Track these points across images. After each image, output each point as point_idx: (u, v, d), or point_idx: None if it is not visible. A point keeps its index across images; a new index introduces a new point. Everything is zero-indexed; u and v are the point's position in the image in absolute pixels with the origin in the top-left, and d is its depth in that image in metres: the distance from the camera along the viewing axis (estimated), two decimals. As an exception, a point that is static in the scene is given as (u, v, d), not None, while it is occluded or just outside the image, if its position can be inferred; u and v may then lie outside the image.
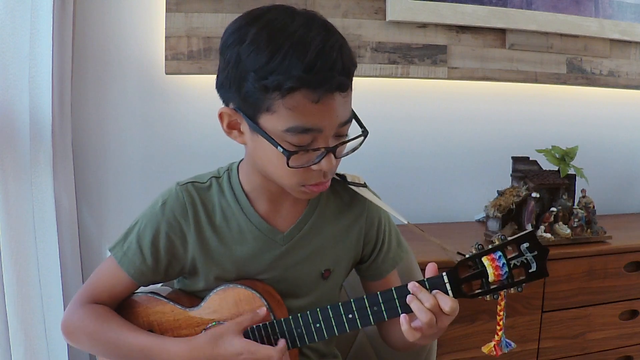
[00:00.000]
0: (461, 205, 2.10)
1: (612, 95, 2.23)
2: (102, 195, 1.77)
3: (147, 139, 1.79)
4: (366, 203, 1.05)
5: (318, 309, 0.94)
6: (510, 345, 0.94)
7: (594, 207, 1.82)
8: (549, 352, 1.74)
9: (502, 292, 0.90)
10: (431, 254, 1.41)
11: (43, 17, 1.49)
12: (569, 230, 1.75)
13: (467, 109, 2.08)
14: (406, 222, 0.99)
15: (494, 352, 0.93)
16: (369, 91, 1.92)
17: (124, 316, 1.00)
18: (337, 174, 1.02)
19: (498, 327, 0.93)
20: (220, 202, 0.99)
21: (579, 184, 1.83)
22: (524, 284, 0.89)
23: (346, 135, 0.90)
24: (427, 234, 0.98)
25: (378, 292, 0.92)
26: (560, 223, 1.76)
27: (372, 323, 0.92)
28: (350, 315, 0.93)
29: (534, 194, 1.71)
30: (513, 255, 0.89)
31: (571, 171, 1.78)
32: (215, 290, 0.99)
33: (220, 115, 0.90)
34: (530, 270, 0.88)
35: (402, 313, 0.89)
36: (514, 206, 1.73)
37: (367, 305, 0.92)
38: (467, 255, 0.90)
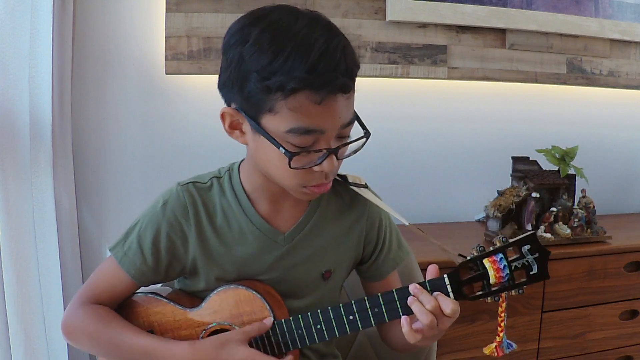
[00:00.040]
0: (461, 205, 2.10)
1: (612, 95, 2.23)
2: (102, 195, 1.77)
3: (147, 139, 1.79)
4: (367, 204, 1.04)
5: (319, 311, 0.94)
6: (511, 346, 0.94)
7: (594, 207, 1.82)
8: (549, 352, 1.74)
9: (503, 294, 0.90)
10: (431, 254, 1.41)
11: (43, 17, 1.49)
12: (569, 230, 1.75)
13: (467, 109, 2.08)
14: (407, 224, 0.98)
15: (496, 354, 0.93)
16: (369, 91, 1.92)
17: (124, 316, 1.00)
18: (338, 175, 1.02)
19: (499, 329, 0.93)
20: (221, 203, 0.99)
21: (579, 184, 1.83)
22: (525, 286, 0.89)
23: (348, 136, 0.90)
24: (428, 235, 0.98)
25: (379, 294, 0.92)
26: (560, 223, 1.76)
27: (373, 325, 0.92)
28: (351, 317, 0.93)
29: (534, 194, 1.71)
30: (514, 257, 0.89)
31: (571, 171, 1.78)
32: (215, 291, 0.99)
33: (222, 116, 0.90)
34: (531, 273, 0.89)
35: (403, 315, 0.89)
36: (514, 206, 1.73)
37: (368, 306, 0.92)
38: (468, 257, 0.90)
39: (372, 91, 1.93)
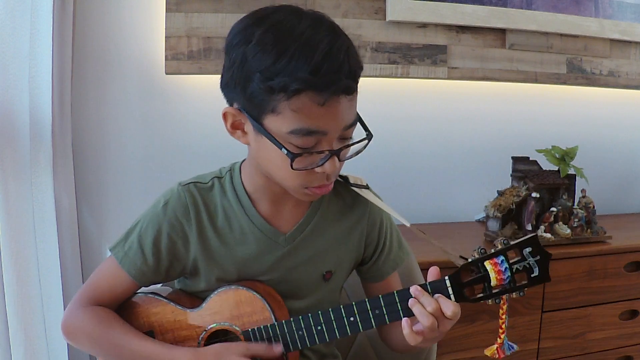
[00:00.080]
0: (461, 205, 2.10)
1: (612, 95, 2.23)
2: (102, 195, 1.77)
3: (147, 139, 1.79)
4: (368, 205, 1.04)
5: (319, 312, 0.94)
6: (512, 347, 0.94)
7: (594, 207, 1.82)
8: (549, 352, 1.74)
9: (504, 297, 0.90)
10: (431, 254, 1.41)
11: (43, 17, 1.49)
12: (569, 230, 1.75)
13: (467, 109, 2.08)
14: (408, 225, 0.98)
15: (497, 355, 0.94)
16: (369, 91, 1.90)
17: (125, 317, 1.00)
18: (339, 176, 1.02)
19: (500, 331, 0.93)
20: (222, 203, 0.99)
21: (579, 184, 1.83)
22: (525, 289, 0.89)
23: (350, 138, 0.89)
24: (429, 237, 0.98)
25: (380, 296, 0.92)
26: (560, 223, 1.76)
27: (374, 326, 0.92)
28: (352, 319, 0.92)
29: (534, 194, 1.71)
30: (515, 259, 0.89)
31: (571, 171, 1.78)
32: (216, 292, 0.98)
33: (224, 115, 0.90)
34: (532, 275, 0.88)
35: (403, 316, 0.89)
36: (514, 206, 1.73)
37: (369, 308, 0.92)
38: (469, 260, 0.90)
39: (372, 91, 1.93)
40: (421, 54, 1.92)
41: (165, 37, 1.71)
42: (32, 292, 1.52)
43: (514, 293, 0.89)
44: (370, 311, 0.92)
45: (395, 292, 0.91)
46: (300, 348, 0.96)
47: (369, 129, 0.90)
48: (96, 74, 1.73)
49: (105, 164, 1.76)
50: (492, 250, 0.89)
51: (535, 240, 0.88)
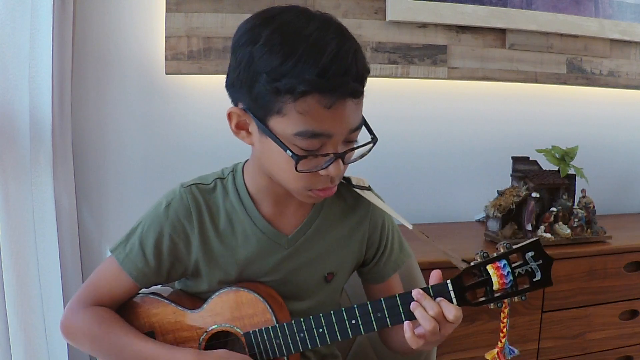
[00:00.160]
0: (461, 205, 2.10)
1: (612, 95, 2.23)
2: (102, 195, 1.77)
3: (147, 139, 1.79)
4: (370, 206, 1.04)
5: (321, 314, 0.93)
6: (513, 352, 0.94)
7: (594, 207, 1.82)
8: (549, 352, 1.74)
9: (505, 301, 0.90)
10: (431, 255, 1.41)
11: (43, 17, 1.49)
12: (569, 230, 1.75)
13: (467, 109, 2.08)
14: (410, 227, 0.98)
15: (497, 359, 0.94)
16: (369, 91, 1.90)
17: (125, 317, 0.99)
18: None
19: (501, 334, 0.93)
20: (225, 205, 0.98)
21: (579, 184, 1.83)
22: (527, 293, 0.89)
23: (355, 141, 0.89)
24: (432, 240, 0.97)
25: (382, 299, 0.91)
26: (560, 223, 1.76)
27: (376, 329, 0.92)
28: (353, 321, 0.92)
29: (534, 194, 1.71)
30: (518, 263, 0.89)
31: (571, 171, 1.78)
32: (217, 293, 0.98)
33: (229, 115, 0.89)
34: (534, 279, 0.88)
35: (405, 320, 0.89)
36: (514, 206, 1.73)
37: (371, 311, 0.91)
38: (472, 263, 0.89)
39: (372, 91, 1.91)
40: (421, 54, 1.92)
41: (165, 37, 1.71)
42: (32, 292, 1.52)
43: (515, 297, 0.89)
44: (372, 314, 0.91)
45: (397, 295, 0.91)
46: (301, 350, 0.96)
47: (374, 132, 0.90)
48: (96, 74, 1.73)
49: (105, 164, 1.76)
50: (495, 254, 0.89)
51: (538, 245, 0.88)
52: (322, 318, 0.93)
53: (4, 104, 1.47)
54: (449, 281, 0.89)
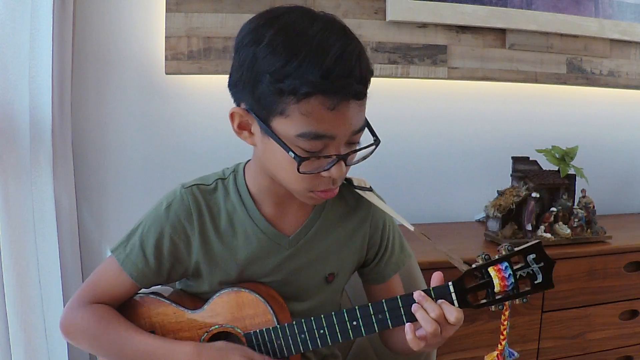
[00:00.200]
0: (461, 205, 2.10)
1: (612, 95, 2.23)
2: (102, 195, 1.77)
3: (147, 139, 1.79)
4: (371, 207, 1.04)
5: (322, 316, 0.93)
6: (513, 355, 0.94)
7: (594, 207, 1.82)
8: (549, 352, 1.74)
9: (506, 303, 0.90)
10: (431, 254, 1.41)
11: (43, 17, 1.49)
12: (569, 230, 1.75)
13: (467, 109, 2.08)
14: (412, 229, 0.97)
15: None
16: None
17: (126, 317, 0.99)
18: None
19: (502, 337, 0.92)
20: (226, 205, 0.98)
21: (579, 184, 1.83)
22: (528, 295, 0.89)
23: (358, 143, 0.89)
24: (434, 242, 0.97)
25: (383, 300, 0.91)
26: (560, 223, 1.76)
27: (377, 331, 0.92)
28: (354, 323, 0.92)
29: (534, 194, 1.71)
30: (519, 265, 0.88)
31: (571, 171, 1.78)
32: (218, 294, 0.98)
33: (232, 115, 0.89)
34: (535, 282, 0.88)
35: (406, 322, 0.89)
36: (514, 206, 1.73)
37: (372, 312, 0.91)
38: (473, 266, 0.89)
39: (371, 91, 1.92)
40: (421, 54, 1.92)
41: (165, 37, 1.71)
42: (32, 292, 1.52)
43: (517, 299, 0.89)
44: (373, 315, 0.91)
45: (398, 297, 0.91)
46: (302, 351, 0.96)
47: (377, 134, 0.89)
48: (96, 74, 1.73)
49: (105, 164, 1.76)
50: (497, 257, 0.89)
51: (540, 247, 0.88)
52: (323, 319, 0.93)
53: (4, 104, 1.47)
54: (450, 283, 0.89)
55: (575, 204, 1.83)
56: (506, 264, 0.88)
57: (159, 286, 1.06)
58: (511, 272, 0.88)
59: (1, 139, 1.47)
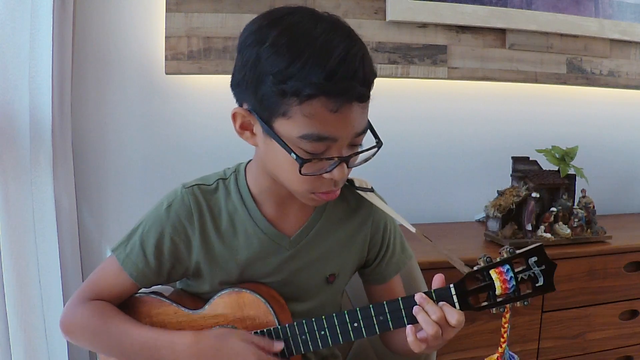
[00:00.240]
0: (461, 205, 2.10)
1: (612, 95, 2.23)
2: (102, 195, 1.77)
3: (147, 139, 1.79)
4: (372, 207, 1.04)
5: (323, 317, 0.93)
6: (513, 357, 0.94)
7: (594, 207, 1.82)
8: (549, 352, 1.74)
9: (507, 306, 0.89)
10: (431, 254, 1.41)
11: (43, 17, 1.49)
12: (569, 230, 1.75)
13: (467, 109, 2.08)
14: (414, 231, 0.97)
15: None
16: (372, 93, 1.92)
17: (127, 316, 0.99)
18: None
19: (502, 340, 0.92)
20: (227, 206, 0.98)
21: (579, 184, 1.83)
22: (530, 298, 0.89)
23: (360, 145, 0.89)
24: (435, 243, 0.97)
25: (384, 302, 0.91)
26: (560, 223, 1.76)
27: (378, 332, 0.92)
28: (355, 324, 0.92)
29: (534, 194, 1.71)
30: (521, 268, 0.88)
31: (571, 171, 1.78)
32: (219, 294, 0.98)
33: (234, 116, 0.89)
34: (537, 284, 0.88)
35: (408, 324, 0.89)
36: (514, 206, 1.73)
37: (373, 314, 0.91)
38: (475, 268, 0.89)
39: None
40: (421, 54, 1.92)
41: (165, 37, 1.71)
42: (32, 292, 1.52)
43: (518, 302, 0.89)
44: (374, 317, 0.91)
45: (399, 298, 0.90)
46: (303, 352, 0.96)
47: (379, 136, 0.89)
48: (96, 74, 1.73)
49: (105, 164, 1.76)
50: (498, 259, 0.89)
51: (541, 250, 0.88)
52: (324, 320, 0.93)
53: (4, 104, 1.46)
54: (451, 285, 0.88)
55: (575, 204, 1.83)
56: (508, 266, 0.88)
57: (160, 286, 1.06)
58: (512, 275, 0.88)
59: (1, 139, 1.47)
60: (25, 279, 1.50)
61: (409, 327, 0.88)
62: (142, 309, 1.01)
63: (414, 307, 0.88)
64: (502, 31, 2.01)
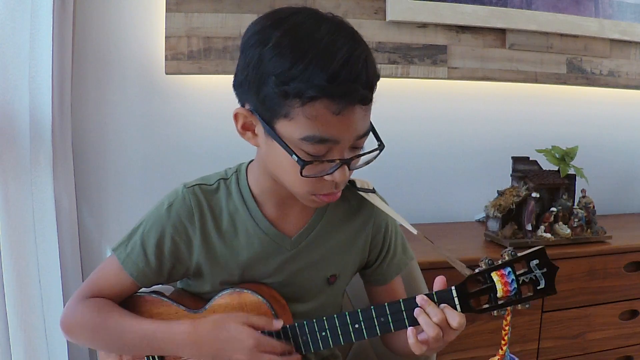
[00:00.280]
0: (461, 205, 2.10)
1: (612, 95, 2.23)
2: (102, 195, 1.77)
3: (147, 139, 1.79)
4: (374, 209, 1.04)
5: (324, 318, 0.93)
6: None
7: (594, 207, 1.82)
8: (549, 352, 1.74)
9: (509, 308, 0.89)
10: (431, 254, 1.41)
11: (43, 17, 1.49)
12: (569, 230, 1.75)
13: (467, 109, 2.08)
14: (416, 232, 0.97)
15: None
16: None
17: (128, 316, 0.99)
18: None
19: (503, 342, 0.92)
20: (228, 206, 0.98)
21: (579, 184, 1.83)
22: (531, 301, 0.89)
23: (362, 147, 0.88)
24: (436, 245, 0.97)
25: (385, 304, 0.91)
26: (560, 223, 1.76)
27: (379, 334, 0.92)
28: (356, 325, 0.92)
29: (534, 194, 1.71)
30: (522, 271, 0.88)
31: (571, 171, 1.78)
32: (220, 294, 0.98)
33: (236, 116, 0.88)
34: (538, 287, 0.88)
35: (409, 325, 0.89)
36: (514, 206, 1.73)
37: (374, 316, 0.91)
38: (476, 270, 0.89)
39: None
40: (421, 54, 1.92)
41: (165, 37, 1.71)
42: (32, 292, 1.52)
43: (519, 305, 0.89)
44: (375, 318, 0.91)
45: (401, 300, 0.90)
46: (304, 353, 0.96)
47: (381, 139, 0.89)
48: (96, 74, 1.73)
49: (105, 164, 1.76)
50: (500, 262, 0.88)
51: (543, 253, 0.88)
52: (325, 321, 0.93)
53: (4, 104, 1.46)
54: (453, 288, 0.88)
55: (575, 204, 1.83)
56: (509, 269, 0.88)
57: (160, 285, 1.06)
58: (514, 278, 0.87)
59: (1, 139, 1.47)
60: (25, 279, 1.50)
61: (410, 329, 0.88)
62: (143, 309, 1.01)
63: (415, 309, 0.88)
64: (502, 31, 2.01)
